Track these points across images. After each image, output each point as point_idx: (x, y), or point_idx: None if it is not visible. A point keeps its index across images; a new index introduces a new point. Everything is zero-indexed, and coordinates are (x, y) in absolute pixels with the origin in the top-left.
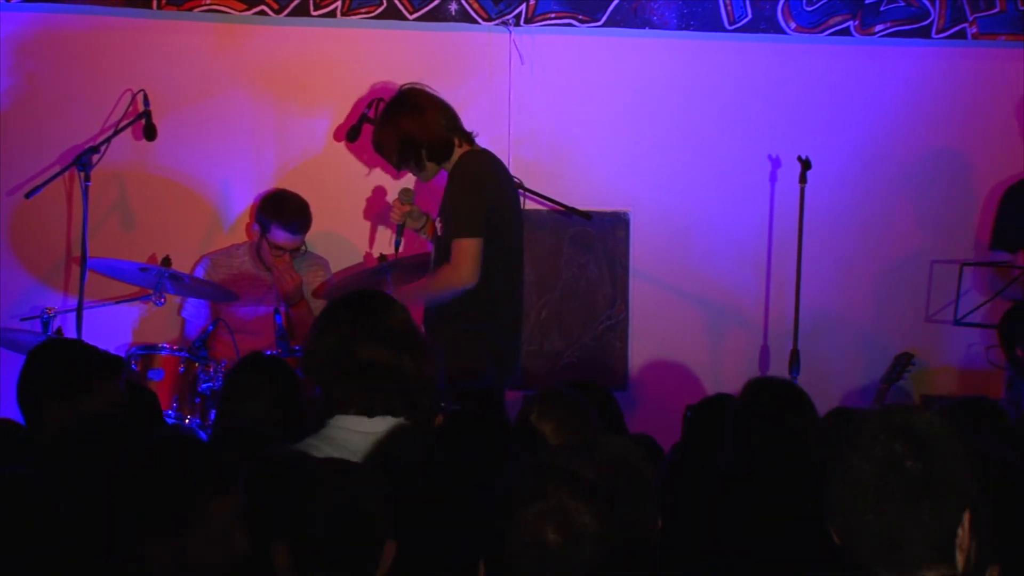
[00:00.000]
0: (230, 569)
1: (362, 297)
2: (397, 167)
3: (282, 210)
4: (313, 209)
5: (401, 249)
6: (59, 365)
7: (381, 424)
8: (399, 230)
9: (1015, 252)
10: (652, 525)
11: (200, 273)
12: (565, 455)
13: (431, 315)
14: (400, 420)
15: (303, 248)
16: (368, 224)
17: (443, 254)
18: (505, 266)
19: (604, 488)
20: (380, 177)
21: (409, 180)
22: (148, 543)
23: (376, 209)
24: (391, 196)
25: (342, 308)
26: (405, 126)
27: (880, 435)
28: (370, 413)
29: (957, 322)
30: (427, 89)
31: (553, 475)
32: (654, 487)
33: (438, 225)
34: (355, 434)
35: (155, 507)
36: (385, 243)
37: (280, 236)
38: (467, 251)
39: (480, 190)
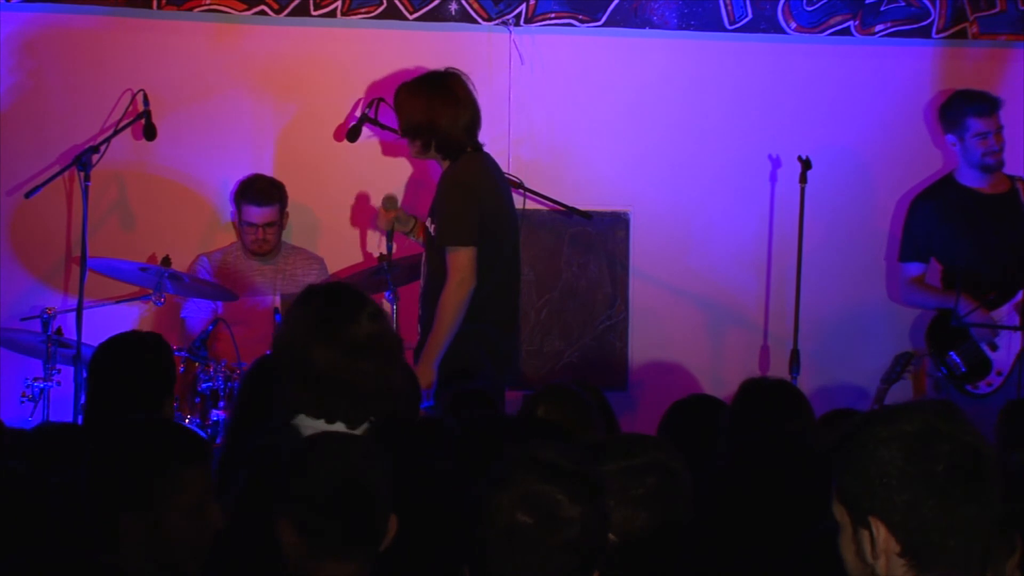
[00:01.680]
0: (208, 545)
1: (329, 296)
2: (403, 135)
3: (247, 187)
4: (313, 209)
5: (394, 252)
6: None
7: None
8: (388, 236)
9: (927, 262)
10: (683, 523)
11: (202, 273)
12: (538, 445)
13: (427, 318)
14: (363, 427)
15: (284, 226)
16: (366, 225)
17: (437, 255)
18: (501, 267)
19: (585, 475)
20: (380, 178)
21: (393, 186)
22: (122, 516)
23: (362, 215)
24: (374, 201)
25: (306, 305)
26: (435, 109)
27: (936, 436)
28: (327, 418)
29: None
30: (470, 85)
31: (522, 464)
32: (688, 485)
33: (430, 226)
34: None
35: (126, 480)
36: (373, 246)
37: (250, 213)
38: (461, 261)
39: (474, 196)
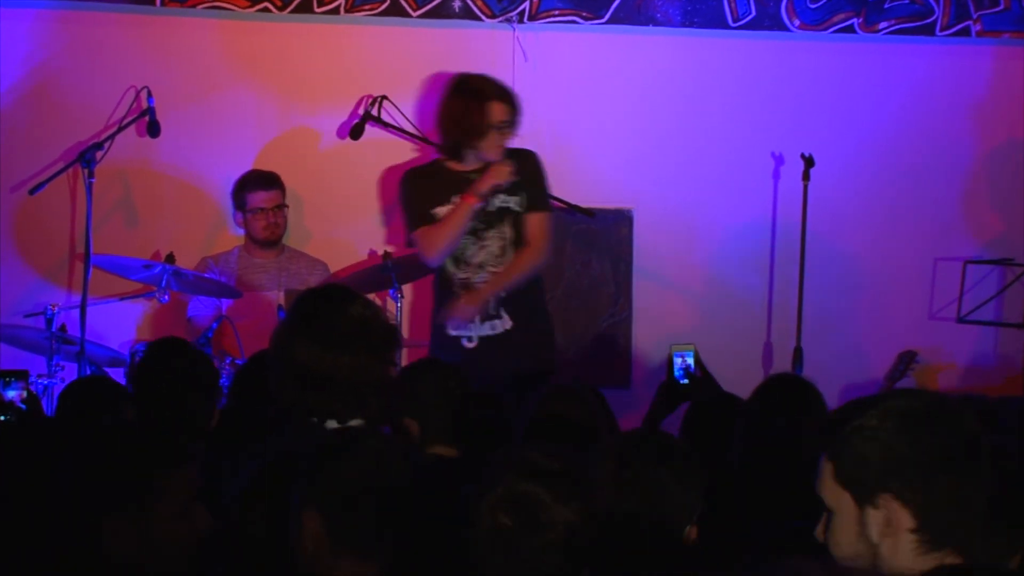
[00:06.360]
0: (194, 545)
1: (315, 293)
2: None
3: (247, 177)
4: (316, 207)
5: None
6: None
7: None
8: (490, 194)
9: None
10: (688, 521)
11: (214, 275)
12: (527, 446)
13: (526, 303)
14: (356, 424)
15: (286, 207)
16: (377, 217)
17: (517, 226)
18: None
19: (573, 474)
20: (381, 177)
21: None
22: (108, 520)
23: (366, 211)
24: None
25: (295, 305)
26: (447, 108)
27: (939, 414)
28: (315, 415)
29: (960, 320)
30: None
31: (506, 464)
32: (699, 481)
33: (503, 202)
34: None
35: (112, 484)
36: (376, 243)
37: (258, 198)
38: (552, 228)
39: None
